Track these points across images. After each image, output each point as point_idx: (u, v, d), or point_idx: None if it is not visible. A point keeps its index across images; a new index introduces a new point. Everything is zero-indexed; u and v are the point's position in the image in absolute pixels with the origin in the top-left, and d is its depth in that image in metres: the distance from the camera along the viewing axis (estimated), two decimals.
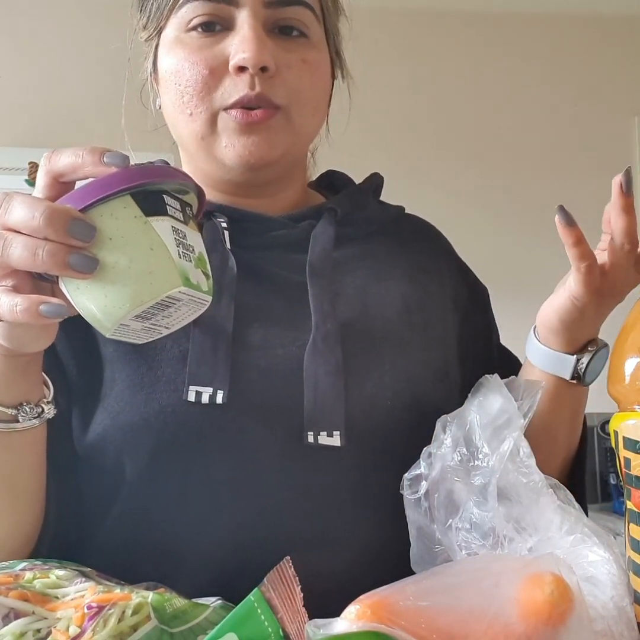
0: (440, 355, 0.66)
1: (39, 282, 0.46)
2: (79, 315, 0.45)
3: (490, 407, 0.50)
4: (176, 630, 0.40)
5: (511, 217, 2.52)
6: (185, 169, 0.70)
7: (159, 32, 0.64)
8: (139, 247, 0.42)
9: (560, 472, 0.69)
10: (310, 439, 0.57)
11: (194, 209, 0.48)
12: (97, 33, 2.40)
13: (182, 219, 0.45)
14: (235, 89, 0.60)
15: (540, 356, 0.63)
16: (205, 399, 0.56)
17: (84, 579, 0.45)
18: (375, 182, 0.74)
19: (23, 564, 0.47)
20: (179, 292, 0.43)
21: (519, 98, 2.59)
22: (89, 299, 0.42)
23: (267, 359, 0.60)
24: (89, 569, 0.48)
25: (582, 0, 2.55)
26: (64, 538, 0.59)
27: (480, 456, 0.48)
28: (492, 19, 2.59)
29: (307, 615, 0.37)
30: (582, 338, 0.62)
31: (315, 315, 0.61)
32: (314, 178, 0.78)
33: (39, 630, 0.39)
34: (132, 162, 0.43)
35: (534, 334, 0.64)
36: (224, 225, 0.64)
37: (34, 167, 2.36)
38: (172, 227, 0.43)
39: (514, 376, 0.56)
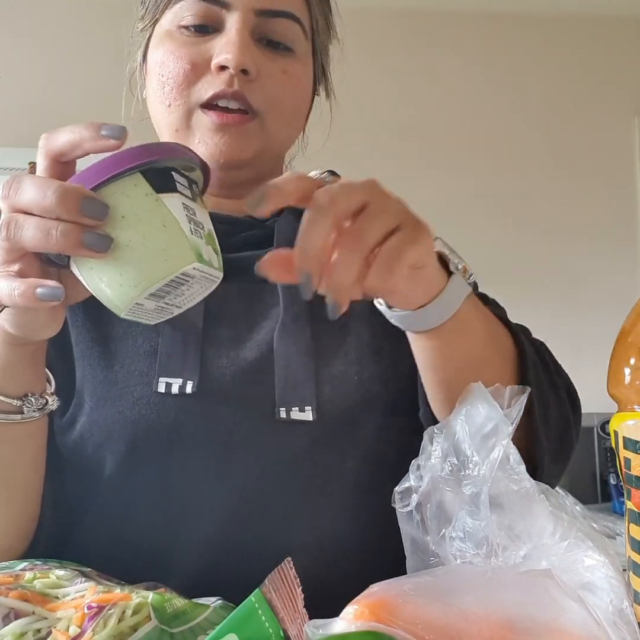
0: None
1: (46, 268, 0.45)
2: None
3: (477, 415, 0.50)
4: (176, 631, 0.40)
5: (511, 217, 2.52)
6: None
7: (154, 24, 0.66)
8: (152, 224, 0.41)
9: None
10: (282, 414, 0.58)
11: (200, 186, 0.48)
12: (97, 33, 2.40)
13: (190, 195, 0.45)
14: (212, 85, 0.61)
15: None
16: (175, 389, 0.58)
17: (84, 579, 0.45)
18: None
19: (23, 564, 0.47)
20: (193, 268, 0.42)
21: (519, 98, 2.59)
22: (102, 280, 0.42)
23: (237, 348, 0.61)
24: (89, 569, 0.48)
25: (582, 0, 2.55)
26: (54, 537, 0.59)
27: (470, 465, 0.48)
28: (492, 19, 2.59)
29: (308, 616, 0.37)
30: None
31: (283, 297, 0.62)
32: None
33: (39, 630, 0.39)
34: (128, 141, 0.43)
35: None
36: None
37: (34, 167, 2.36)
38: (183, 203, 0.43)
39: (498, 384, 0.55)
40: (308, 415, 0.58)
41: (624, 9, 2.58)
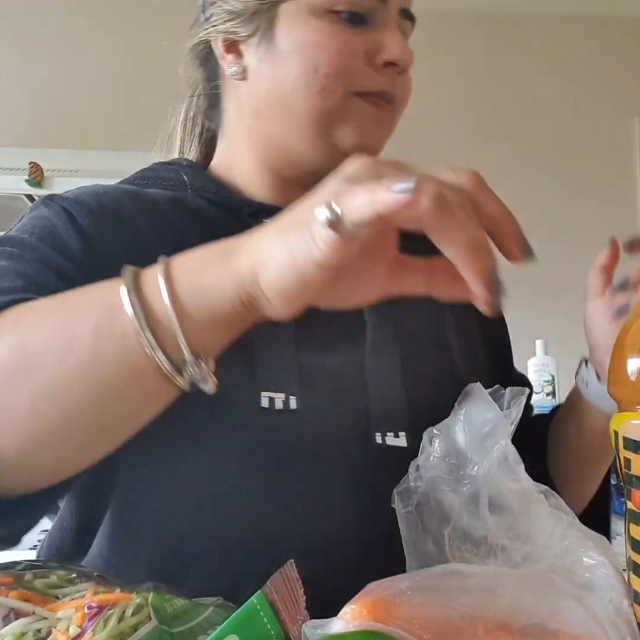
0: (472, 348, 0.69)
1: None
2: None
3: (477, 416, 0.50)
4: (176, 631, 0.40)
5: None
6: (239, 140, 0.69)
7: (282, 0, 0.62)
8: None
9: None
10: (378, 440, 0.57)
11: None
12: (97, 33, 2.40)
13: None
14: (377, 80, 0.62)
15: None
16: (278, 404, 0.55)
17: (84, 579, 0.45)
18: None
19: (23, 564, 0.47)
20: None
21: (519, 99, 2.59)
22: None
23: (329, 362, 0.59)
24: (89, 569, 0.48)
25: (582, 0, 2.55)
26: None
27: (469, 465, 0.48)
28: (492, 19, 2.59)
29: (309, 617, 0.37)
30: None
31: (373, 315, 0.62)
32: None
33: (39, 630, 0.39)
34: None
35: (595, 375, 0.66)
36: None
37: (34, 167, 2.36)
38: None
39: (498, 385, 0.56)
40: (402, 441, 0.58)
41: (624, 9, 2.58)
